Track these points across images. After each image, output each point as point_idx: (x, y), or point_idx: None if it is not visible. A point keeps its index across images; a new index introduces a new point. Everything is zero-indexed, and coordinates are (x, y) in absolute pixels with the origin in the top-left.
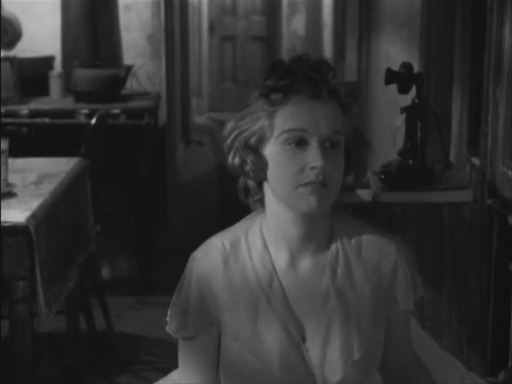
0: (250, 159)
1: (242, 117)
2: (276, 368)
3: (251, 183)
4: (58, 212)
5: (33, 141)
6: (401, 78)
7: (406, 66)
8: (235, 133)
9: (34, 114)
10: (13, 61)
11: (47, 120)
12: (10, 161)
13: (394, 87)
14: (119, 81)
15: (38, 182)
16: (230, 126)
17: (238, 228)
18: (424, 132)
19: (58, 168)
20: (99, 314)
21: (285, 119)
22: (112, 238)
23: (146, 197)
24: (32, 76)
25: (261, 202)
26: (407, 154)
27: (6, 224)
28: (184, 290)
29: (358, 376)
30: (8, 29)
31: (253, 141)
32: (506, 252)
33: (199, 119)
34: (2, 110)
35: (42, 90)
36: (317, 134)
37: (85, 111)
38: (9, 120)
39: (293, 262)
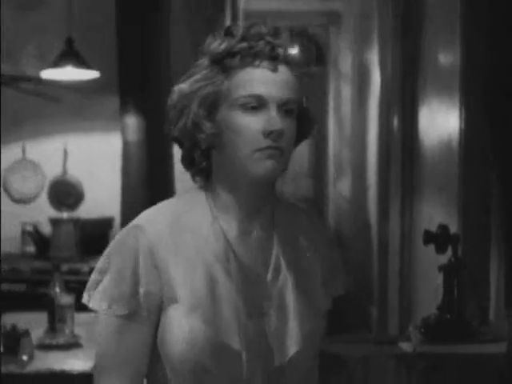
0: (204, 125)
1: (193, 82)
2: (233, 339)
3: (197, 151)
4: None
5: None
6: (438, 238)
7: (443, 227)
8: (187, 99)
9: None
10: (76, 222)
11: None
12: (76, 315)
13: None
14: None
15: None
16: (178, 92)
17: (173, 205)
18: (461, 288)
19: None
20: None
21: (242, 84)
22: None
23: None
24: (93, 235)
25: (205, 173)
26: (445, 309)
27: (73, 372)
28: (127, 260)
29: (311, 349)
30: (72, 192)
31: (207, 105)
32: None
33: None
34: (66, 267)
35: (103, 248)
36: (275, 99)
37: None
38: (72, 278)
39: (243, 234)
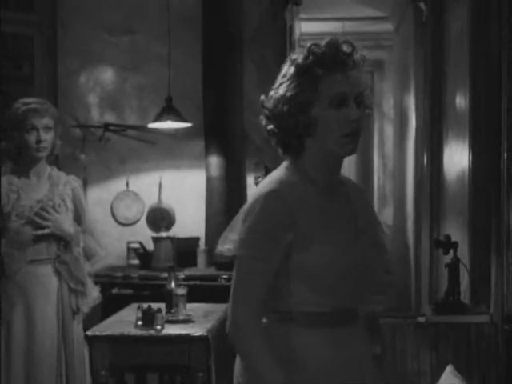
0: (302, 120)
1: (286, 88)
2: (343, 257)
3: (293, 140)
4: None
5: (189, 296)
6: (443, 244)
7: (446, 237)
8: (284, 101)
9: (188, 278)
10: (172, 240)
11: (198, 282)
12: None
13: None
14: None
15: (205, 315)
16: (276, 97)
17: (285, 177)
18: (459, 280)
19: (215, 309)
20: None
21: (329, 86)
22: None
23: None
24: (184, 251)
25: (296, 154)
26: (449, 293)
27: (193, 335)
28: (274, 215)
29: (381, 261)
30: (165, 217)
31: (302, 105)
32: None
33: None
34: (166, 275)
35: (193, 261)
36: (353, 94)
37: (225, 276)
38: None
39: (324, 195)
